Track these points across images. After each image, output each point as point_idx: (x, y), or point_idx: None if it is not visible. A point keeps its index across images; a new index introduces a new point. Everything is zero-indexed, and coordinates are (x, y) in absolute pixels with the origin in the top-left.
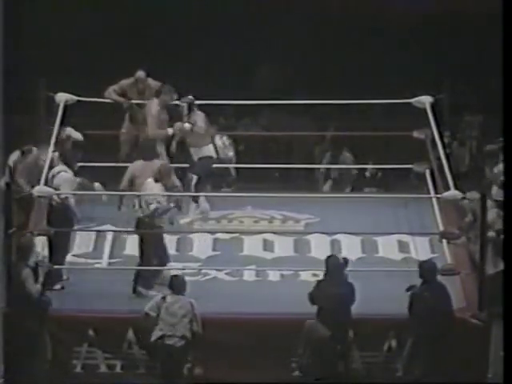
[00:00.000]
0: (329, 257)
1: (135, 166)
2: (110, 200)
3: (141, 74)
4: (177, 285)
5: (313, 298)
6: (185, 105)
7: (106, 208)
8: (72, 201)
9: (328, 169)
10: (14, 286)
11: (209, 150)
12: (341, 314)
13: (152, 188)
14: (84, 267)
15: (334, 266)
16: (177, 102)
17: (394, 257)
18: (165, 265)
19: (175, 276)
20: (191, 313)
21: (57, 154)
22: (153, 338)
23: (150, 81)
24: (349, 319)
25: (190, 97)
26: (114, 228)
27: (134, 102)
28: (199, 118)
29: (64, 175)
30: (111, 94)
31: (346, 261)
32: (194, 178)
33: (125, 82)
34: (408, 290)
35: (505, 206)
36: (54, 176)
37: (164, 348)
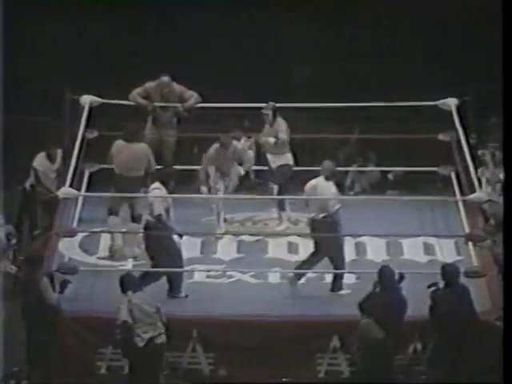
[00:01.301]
0: (383, 267)
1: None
2: None
3: (165, 78)
4: (131, 282)
5: (363, 309)
6: (269, 112)
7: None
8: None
9: (354, 177)
10: (29, 292)
11: (287, 158)
12: (392, 323)
13: None
14: (109, 269)
15: (387, 277)
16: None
17: (420, 259)
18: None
19: (127, 274)
20: (156, 307)
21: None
22: (142, 344)
23: (175, 85)
24: (401, 325)
25: (272, 103)
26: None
27: (157, 104)
28: (282, 125)
29: (156, 192)
30: (136, 97)
31: (401, 276)
32: (275, 187)
33: (149, 85)
34: (430, 286)
35: (505, 206)
36: (147, 191)
37: (157, 348)
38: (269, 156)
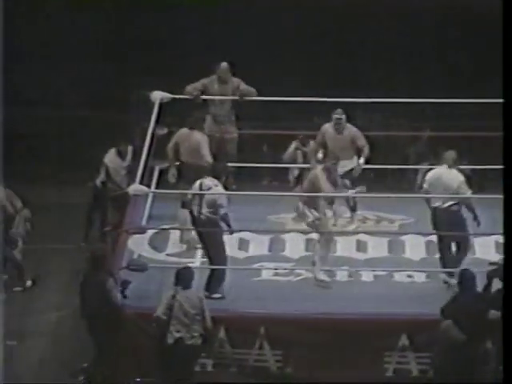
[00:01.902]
0: (463, 270)
1: None
2: None
3: (224, 64)
4: (185, 278)
5: (444, 313)
6: (343, 117)
7: None
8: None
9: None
10: (93, 291)
11: (354, 161)
12: (472, 326)
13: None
14: (178, 266)
15: (467, 280)
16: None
17: (491, 258)
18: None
19: (185, 268)
20: (201, 309)
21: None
22: (171, 341)
23: (234, 78)
24: (481, 328)
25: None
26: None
27: (215, 98)
28: (358, 133)
29: (219, 191)
30: (190, 90)
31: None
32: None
33: (205, 80)
34: (491, 264)
35: (505, 206)
36: (202, 189)
37: (186, 349)
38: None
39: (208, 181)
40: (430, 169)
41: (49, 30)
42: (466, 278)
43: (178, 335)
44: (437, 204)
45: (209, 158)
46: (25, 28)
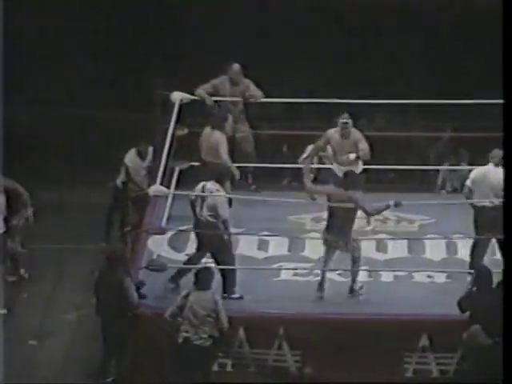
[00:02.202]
0: (478, 267)
1: None
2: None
3: (236, 65)
4: (203, 279)
5: (462, 307)
6: (350, 121)
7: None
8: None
9: (445, 176)
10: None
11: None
12: (491, 321)
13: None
14: (195, 266)
15: (483, 276)
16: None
17: None
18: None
19: (204, 269)
20: (215, 311)
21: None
22: (180, 340)
23: (245, 79)
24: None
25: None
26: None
27: (226, 99)
28: (361, 138)
29: (222, 195)
30: (201, 92)
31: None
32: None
33: (216, 81)
34: None
35: (505, 207)
36: (204, 192)
37: (192, 348)
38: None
39: (210, 185)
40: (452, 170)
41: (65, 30)
42: (483, 274)
43: (185, 335)
44: (483, 203)
45: (225, 158)
46: (39, 27)
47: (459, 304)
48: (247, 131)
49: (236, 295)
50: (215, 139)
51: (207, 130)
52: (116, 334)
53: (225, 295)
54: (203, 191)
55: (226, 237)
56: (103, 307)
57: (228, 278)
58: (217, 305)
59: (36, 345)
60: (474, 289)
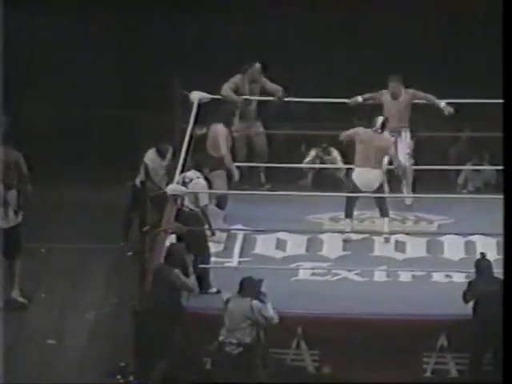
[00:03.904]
0: (478, 259)
1: None
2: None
3: (258, 65)
4: (245, 287)
5: (465, 297)
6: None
7: (236, 207)
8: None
9: (467, 176)
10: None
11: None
12: (494, 309)
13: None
14: (214, 266)
15: (483, 266)
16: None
17: None
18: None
19: (246, 278)
20: (251, 317)
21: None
22: (215, 344)
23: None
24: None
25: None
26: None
27: (245, 97)
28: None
29: (201, 183)
30: (229, 91)
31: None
32: None
33: (237, 78)
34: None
35: (505, 206)
36: (185, 182)
37: (223, 355)
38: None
39: (191, 173)
40: (474, 170)
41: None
42: (482, 266)
43: (220, 338)
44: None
45: (223, 151)
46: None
47: (463, 295)
48: (260, 128)
49: (213, 289)
50: (217, 132)
51: (214, 125)
52: (164, 332)
53: (202, 291)
54: (184, 181)
55: (204, 234)
56: (152, 301)
57: (202, 273)
58: (255, 312)
59: (55, 344)
60: (476, 279)
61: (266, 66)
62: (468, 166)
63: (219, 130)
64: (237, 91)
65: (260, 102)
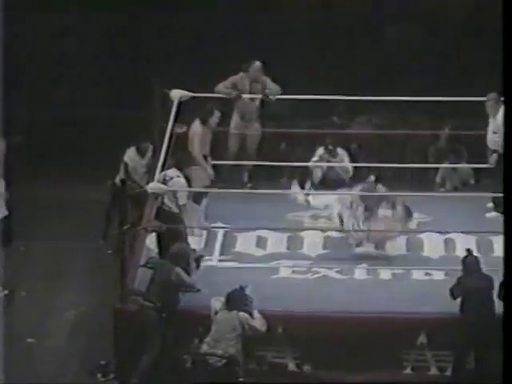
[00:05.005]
0: (466, 253)
1: None
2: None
3: (258, 63)
4: (232, 300)
5: (453, 293)
6: None
7: (217, 205)
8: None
9: (445, 175)
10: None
11: None
12: (483, 305)
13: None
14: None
15: (469, 262)
16: None
17: None
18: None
19: (233, 291)
20: (238, 329)
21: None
22: (201, 351)
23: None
24: (492, 310)
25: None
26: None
27: (244, 96)
28: None
29: (180, 181)
30: (221, 89)
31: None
32: None
33: (235, 78)
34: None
35: (505, 205)
36: (165, 180)
37: (206, 366)
38: None
39: (172, 172)
40: (452, 168)
41: (62, 29)
42: (469, 263)
43: (204, 348)
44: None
45: (195, 151)
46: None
47: (451, 291)
48: (259, 130)
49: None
50: (193, 131)
51: (193, 122)
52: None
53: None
54: (164, 178)
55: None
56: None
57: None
58: (242, 324)
59: (34, 343)
60: (464, 275)
61: (266, 63)
62: (445, 165)
63: (195, 128)
64: (235, 90)
65: (262, 102)
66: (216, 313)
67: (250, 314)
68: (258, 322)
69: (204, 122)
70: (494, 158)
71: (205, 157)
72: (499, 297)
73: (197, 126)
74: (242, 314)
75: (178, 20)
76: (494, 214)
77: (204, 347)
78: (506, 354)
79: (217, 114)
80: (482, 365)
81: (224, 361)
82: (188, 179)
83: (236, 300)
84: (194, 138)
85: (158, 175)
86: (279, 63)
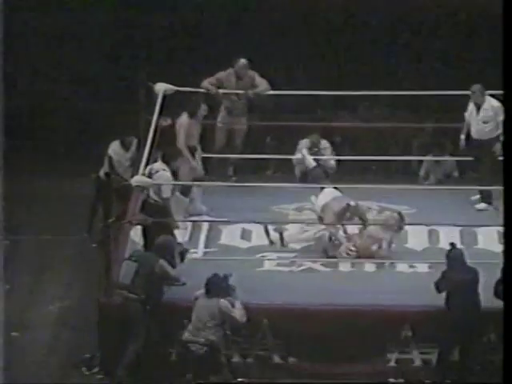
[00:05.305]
0: (449, 247)
1: None
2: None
3: (243, 61)
4: (211, 287)
5: (438, 287)
6: None
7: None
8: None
9: (428, 168)
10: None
11: None
12: (468, 299)
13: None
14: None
15: (454, 255)
16: None
17: (494, 249)
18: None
19: (212, 277)
20: (219, 317)
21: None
22: (183, 338)
23: (249, 71)
24: (477, 303)
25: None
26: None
27: (223, 91)
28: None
29: (165, 175)
30: (206, 85)
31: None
32: None
33: (221, 74)
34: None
35: (505, 206)
36: (151, 173)
37: (188, 353)
38: None
39: (158, 165)
40: (436, 161)
41: (50, 23)
42: (454, 257)
43: (186, 336)
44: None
45: (180, 142)
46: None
47: (436, 285)
48: (245, 124)
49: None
50: (180, 123)
51: (183, 114)
52: (144, 322)
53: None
54: (150, 172)
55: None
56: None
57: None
58: (222, 313)
59: (18, 336)
60: (449, 269)
61: (251, 60)
62: (429, 157)
63: (181, 121)
64: (221, 86)
65: (250, 98)
66: (196, 299)
67: (232, 304)
68: (238, 313)
69: (192, 115)
70: (497, 147)
71: (192, 149)
72: (496, 294)
73: (184, 118)
74: (222, 301)
75: (165, 16)
76: (483, 205)
77: (186, 335)
78: (506, 353)
79: (203, 107)
80: (466, 357)
81: (206, 348)
82: (174, 173)
83: (216, 286)
84: (180, 130)
85: (142, 169)
86: (267, 59)
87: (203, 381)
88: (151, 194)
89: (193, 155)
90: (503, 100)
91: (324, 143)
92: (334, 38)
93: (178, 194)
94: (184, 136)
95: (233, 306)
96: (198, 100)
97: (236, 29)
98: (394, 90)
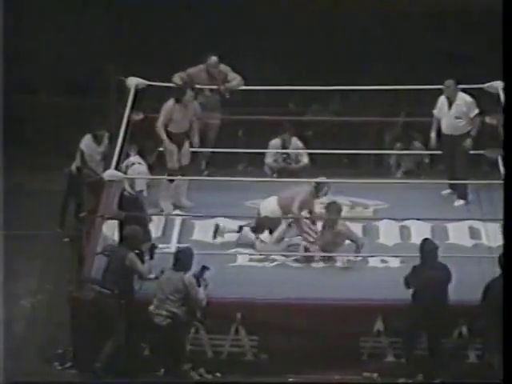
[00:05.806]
0: (423, 240)
1: None
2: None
3: (214, 58)
4: (179, 260)
5: (408, 282)
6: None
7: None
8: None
9: (399, 157)
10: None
11: None
12: (436, 297)
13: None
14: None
15: (427, 249)
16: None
17: (465, 243)
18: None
19: (181, 250)
20: (183, 291)
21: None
22: (148, 310)
23: (222, 66)
24: (445, 302)
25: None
26: (183, 213)
27: (198, 87)
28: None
29: (139, 168)
30: (176, 79)
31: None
32: None
33: (192, 70)
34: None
35: (505, 206)
36: (127, 167)
37: (152, 326)
38: None
39: (134, 158)
40: (405, 154)
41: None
42: (428, 250)
43: (150, 309)
44: None
45: (158, 123)
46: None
47: (405, 280)
48: (218, 118)
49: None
50: (163, 107)
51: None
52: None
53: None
54: (126, 165)
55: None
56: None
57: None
58: (186, 286)
59: None
60: (420, 264)
61: (222, 57)
62: (399, 146)
63: (166, 104)
64: (192, 81)
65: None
66: (162, 272)
67: (198, 283)
68: (200, 295)
69: (177, 101)
70: (468, 142)
71: (179, 137)
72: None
73: (169, 102)
74: (187, 276)
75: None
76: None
77: (151, 308)
78: (506, 353)
79: (189, 93)
80: (434, 351)
81: (168, 320)
82: (150, 166)
83: (185, 259)
84: (161, 112)
85: (115, 162)
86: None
87: (163, 354)
88: (126, 187)
89: (179, 145)
90: (504, 101)
91: (295, 142)
92: (307, 33)
93: (165, 181)
94: (163, 118)
95: (198, 285)
96: (185, 87)
97: (210, 23)
98: (366, 85)
